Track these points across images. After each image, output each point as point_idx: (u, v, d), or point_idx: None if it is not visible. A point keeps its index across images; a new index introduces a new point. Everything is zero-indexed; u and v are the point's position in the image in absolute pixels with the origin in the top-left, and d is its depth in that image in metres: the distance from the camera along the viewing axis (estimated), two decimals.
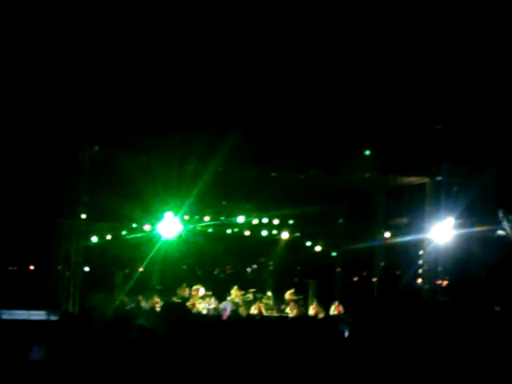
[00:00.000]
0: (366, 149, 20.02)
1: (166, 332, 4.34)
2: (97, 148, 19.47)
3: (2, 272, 22.41)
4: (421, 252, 22.42)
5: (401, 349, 4.35)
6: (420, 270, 22.63)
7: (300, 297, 24.04)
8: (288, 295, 23.86)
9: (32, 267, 23.40)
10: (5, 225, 20.49)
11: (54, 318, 17.07)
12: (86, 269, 21.88)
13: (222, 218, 23.76)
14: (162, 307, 4.09)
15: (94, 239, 22.01)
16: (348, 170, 21.03)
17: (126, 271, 24.12)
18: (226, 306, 22.21)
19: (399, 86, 18.87)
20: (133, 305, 22.23)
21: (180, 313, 4.35)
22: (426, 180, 21.78)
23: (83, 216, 20.28)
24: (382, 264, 24.68)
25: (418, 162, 20.79)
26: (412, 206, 23.03)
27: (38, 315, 17.51)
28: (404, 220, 23.89)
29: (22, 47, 16.91)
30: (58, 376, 4.03)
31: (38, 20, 16.42)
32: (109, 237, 22.77)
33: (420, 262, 22.62)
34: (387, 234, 23.77)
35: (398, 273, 25.09)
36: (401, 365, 4.24)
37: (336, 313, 22.79)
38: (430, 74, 18.26)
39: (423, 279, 22.25)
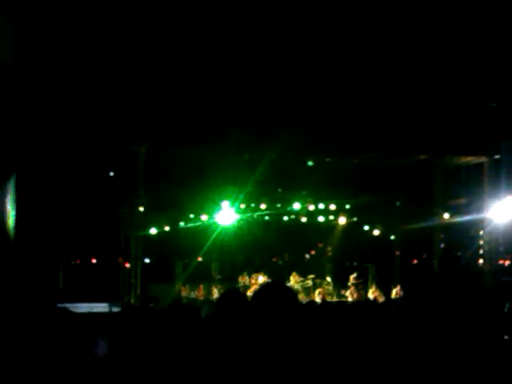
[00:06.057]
0: (419, 130, 19.83)
1: (224, 319, 4.39)
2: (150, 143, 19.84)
3: (65, 266, 22.89)
4: (481, 232, 22.12)
5: (458, 331, 4.31)
6: (481, 251, 22.34)
7: (361, 280, 23.98)
8: (352, 279, 23.81)
9: (94, 261, 23.85)
10: (67, 221, 20.92)
11: (116, 309, 17.37)
12: (147, 260, 22.20)
13: (279, 206, 23.78)
14: (222, 295, 4.10)
15: (153, 231, 22.29)
16: (403, 153, 20.86)
17: (186, 261, 24.38)
18: None
19: (453, 65, 18.56)
20: (194, 294, 22.48)
21: (237, 299, 4.40)
22: (483, 159, 21.47)
23: (141, 209, 20.58)
24: (442, 245, 24.39)
25: (474, 142, 20.51)
26: (470, 186, 22.73)
27: (101, 307, 17.83)
28: (462, 200, 23.55)
29: (77, 46, 17.21)
30: (122, 370, 4.10)
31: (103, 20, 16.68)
32: (167, 228, 23.04)
33: (480, 242, 22.33)
34: (446, 215, 23.47)
35: (458, 254, 24.78)
36: (458, 347, 4.20)
37: (398, 296, 22.66)
38: (485, 52, 17.91)
39: (484, 260, 21.96)
